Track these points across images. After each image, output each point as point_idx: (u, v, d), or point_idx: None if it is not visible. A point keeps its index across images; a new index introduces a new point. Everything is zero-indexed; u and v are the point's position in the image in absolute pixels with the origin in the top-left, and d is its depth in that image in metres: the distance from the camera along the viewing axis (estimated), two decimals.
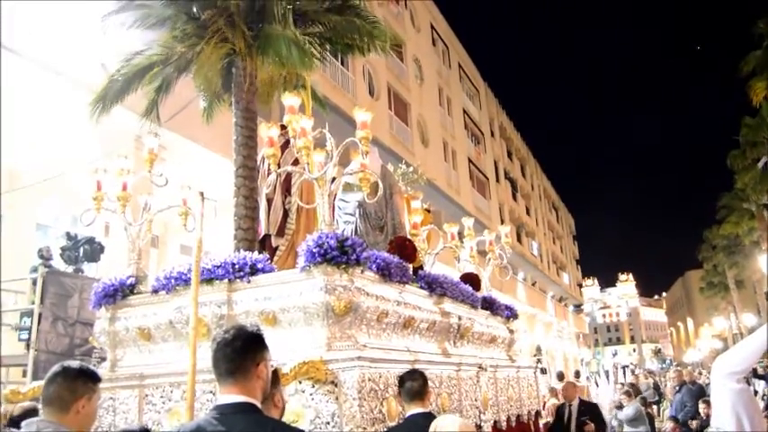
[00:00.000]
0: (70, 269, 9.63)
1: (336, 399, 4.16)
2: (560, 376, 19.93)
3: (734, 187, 37.43)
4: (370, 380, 4.32)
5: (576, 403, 8.77)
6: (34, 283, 8.84)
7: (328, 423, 4.14)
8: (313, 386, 4.21)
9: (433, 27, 33.49)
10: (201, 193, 4.59)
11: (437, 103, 32.61)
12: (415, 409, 4.13)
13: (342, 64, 21.99)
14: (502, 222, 38.42)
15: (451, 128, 34.05)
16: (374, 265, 5.03)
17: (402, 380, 4.28)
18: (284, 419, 3.81)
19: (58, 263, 9.60)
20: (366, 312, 4.77)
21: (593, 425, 8.30)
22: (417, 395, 4.16)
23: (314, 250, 4.54)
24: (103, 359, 7.92)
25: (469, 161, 35.82)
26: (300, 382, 4.18)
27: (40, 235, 12.43)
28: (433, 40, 33.44)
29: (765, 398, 11.93)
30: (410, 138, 27.68)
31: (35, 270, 9.02)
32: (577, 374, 22.75)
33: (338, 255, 4.52)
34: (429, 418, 3.97)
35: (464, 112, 37.18)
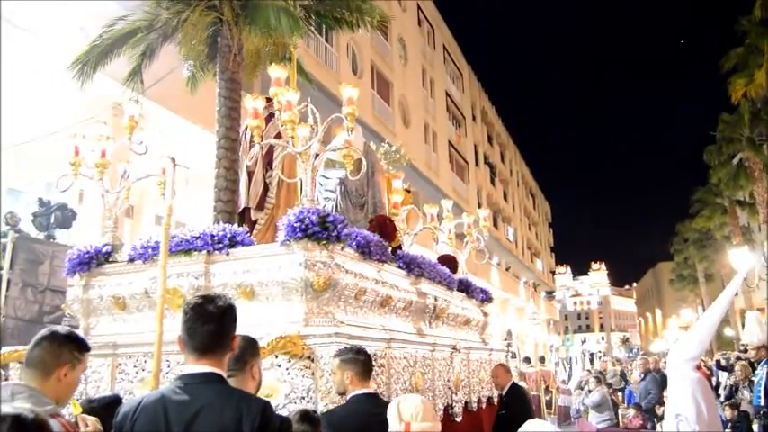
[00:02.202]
0: (41, 235, 9.46)
1: (312, 374, 4.16)
2: (527, 360, 20.15)
3: (708, 182, 37.88)
4: None
5: (504, 392, 6.97)
6: (4, 248, 8.69)
7: (303, 398, 4.14)
8: (289, 361, 4.21)
9: (419, 7, 33.25)
10: (173, 159, 4.53)
11: (420, 84, 32.47)
12: (363, 389, 3.68)
13: (326, 40, 21.79)
14: (479, 206, 38.56)
15: (433, 110, 33.97)
16: (354, 243, 5.03)
17: (355, 356, 3.76)
18: (258, 393, 3.79)
19: (30, 229, 9.45)
20: (344, 289, 4.77)
21: None
22: (368, 374, 3.75)
23: (295, 225, 4.52)
24: (73, 327, 7.83)
25: (450, 144, 35.81)
26: (276, 357, 4.17)
27: (11, 200, 12.20)
28: (419, 20, 33.22)
29: (727, 389, 12.14)
30: (391, 118, 27.57)
31: (5, 235, 8.87)
32: (542, 359, 23.00)
33: (319, 230, 4.50)
34: (375, 399, 3.69)
35: (447, 94, 37.09)
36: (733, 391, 11.50)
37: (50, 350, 2.65)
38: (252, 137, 6.46)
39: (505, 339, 33.85)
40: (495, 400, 8.05)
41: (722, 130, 30.88)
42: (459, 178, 36.95)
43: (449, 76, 38.67)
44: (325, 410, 3.84)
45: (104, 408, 3.32)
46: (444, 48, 37.95)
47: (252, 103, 5.15)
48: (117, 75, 8.91)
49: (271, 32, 7.23)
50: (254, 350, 2.92)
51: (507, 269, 46.91)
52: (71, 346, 2.70)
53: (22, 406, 2.36)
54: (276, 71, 5.24)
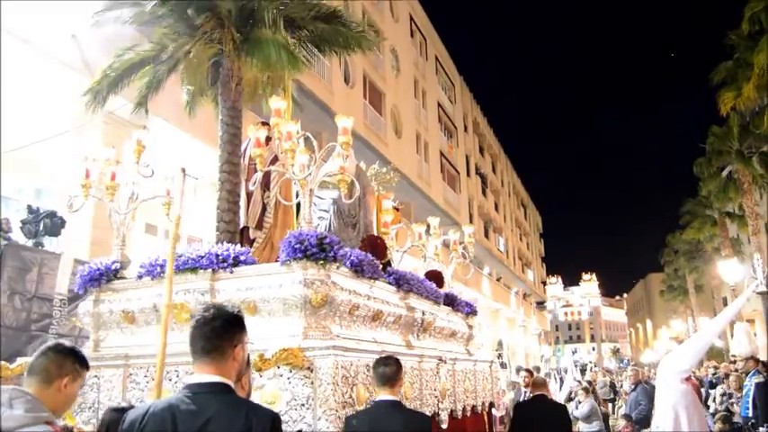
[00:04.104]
0: (30, 243, 9.40)
1: (312, 383, 4.54)
2: (519, 370, 20.38)
3: (698, 194, 38.32)
4: (342, 367, 4.70)
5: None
6: None
7: (303, 405, 4.52)
8: (290, 371, 4.59)
9: (411, 18, 33.63)
10: (183, 170, 4.85)
11: (412, 94, 32.84)
12: (382, 396, 4.29)
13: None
14: (470, 216, 39.00)
15: (425, 120, 34.33)
16: (348, 262, 5.43)
17: (376, 364, 4.41)
18: (261, 401, 4.20)
19: (18, 236, 9.44)
20: (340, 305, 5.16)
21: None
22: (387, 381, 4.29)
23: (295, 246, 4.92)
24: (61, 335, 8.11)
25: (441, 154, 36.16)
26: (279, 367, 4.56)
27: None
28: (411, 31, 33.58)
29: (725, 403, 12.25)
30: (383, 128, 27.88)
31: None
32: (537, 370, 23.24)
33: (317, 252, 4.91)
34: (395, 407, 4.23)
35: (438, 105, 37.45)
36: (728, 404, 11.69)
37: (55, 360, 2.79)
38: (251, 159, 6.87)
39: (496, 350, 34.14)
40: (479, 408, 8.41)
41: (712, 143, 31.20)
42: (450, 188, 37.31)
43: (441, 87, 39.06)
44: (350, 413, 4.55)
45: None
46: (436, 58, 38.34)
47: (255, 133, 5.56)
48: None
49: (270, 66, 7.67)
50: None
51: (498, 279, 47.23)
52: (73, 359, 2.85)
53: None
54: (276, 102, 5.66)
